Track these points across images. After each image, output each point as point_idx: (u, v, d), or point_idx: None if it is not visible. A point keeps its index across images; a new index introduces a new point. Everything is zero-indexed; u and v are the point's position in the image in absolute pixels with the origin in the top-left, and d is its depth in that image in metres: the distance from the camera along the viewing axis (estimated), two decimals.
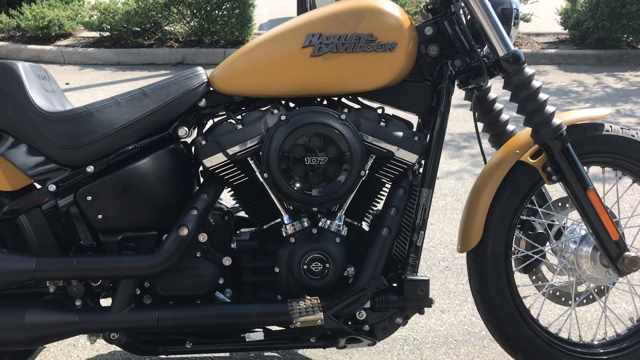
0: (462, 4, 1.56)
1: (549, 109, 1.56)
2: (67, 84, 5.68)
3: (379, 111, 1.58)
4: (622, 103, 5.16)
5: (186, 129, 1.55)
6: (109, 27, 6.84)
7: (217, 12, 6.70)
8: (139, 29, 6.82)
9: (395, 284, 1.57)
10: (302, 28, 1.49)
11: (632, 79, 6.12)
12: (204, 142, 1.51)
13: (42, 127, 1.46)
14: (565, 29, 7.58)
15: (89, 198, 1.48)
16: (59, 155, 1.47)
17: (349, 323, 1.57)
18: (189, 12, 6.75)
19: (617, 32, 6.98)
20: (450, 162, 3.59)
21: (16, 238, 1.55)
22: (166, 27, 7.05)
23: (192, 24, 6.85)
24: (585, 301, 1.79)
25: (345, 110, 1.55)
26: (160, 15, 6.82)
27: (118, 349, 1.63)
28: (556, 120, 1.56)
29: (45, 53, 6.72)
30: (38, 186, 1.54)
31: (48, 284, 1.51)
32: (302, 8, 7.71)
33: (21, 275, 1.45)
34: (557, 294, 1.78)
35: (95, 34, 7.11)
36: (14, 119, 1.46)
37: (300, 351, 1.89)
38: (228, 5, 6.66)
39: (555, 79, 6.10)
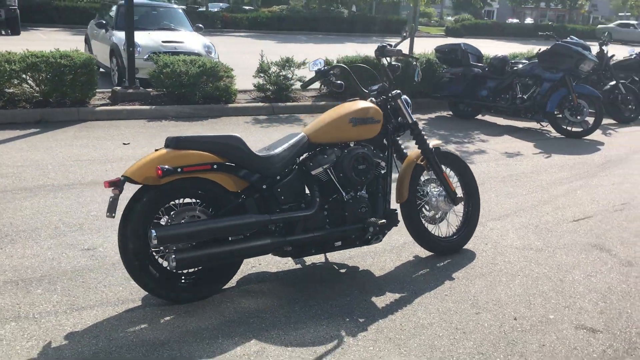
0: (395, 103, 3.91)
1: (427, 141, 3.99)
2: None
3: (372, 147, 3.81)
4: None
5: (299, 158, 3.58)
6: None
7: (68, 77, 7.94)
8: None
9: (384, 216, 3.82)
10: (348, 114, 3.66)
11: None
12: (311, 164, 3.56)
13: (256, 160, 3.36)
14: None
15: (279, 190, 3.43)
16: (262, 172, 3.38)
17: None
18: (40, 77, 7.83)
19: None
20: None
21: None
22: (8, 90, 7.91)
23: (42, 87, 7.94)
24: (441, 221, 4.27)
25: (362, 146, 3.74)
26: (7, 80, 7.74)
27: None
28: (429, 146, 4.00)
29: None
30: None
31: (269, 226, 3.40)
32: None
33: (262, 223, 3.31)
34: (430, 219, 4.23)
35: None
36: (244, 158, 3.33)
37: (351, 261, 3.98)
38: (79, 71, 7.97)
39: None
